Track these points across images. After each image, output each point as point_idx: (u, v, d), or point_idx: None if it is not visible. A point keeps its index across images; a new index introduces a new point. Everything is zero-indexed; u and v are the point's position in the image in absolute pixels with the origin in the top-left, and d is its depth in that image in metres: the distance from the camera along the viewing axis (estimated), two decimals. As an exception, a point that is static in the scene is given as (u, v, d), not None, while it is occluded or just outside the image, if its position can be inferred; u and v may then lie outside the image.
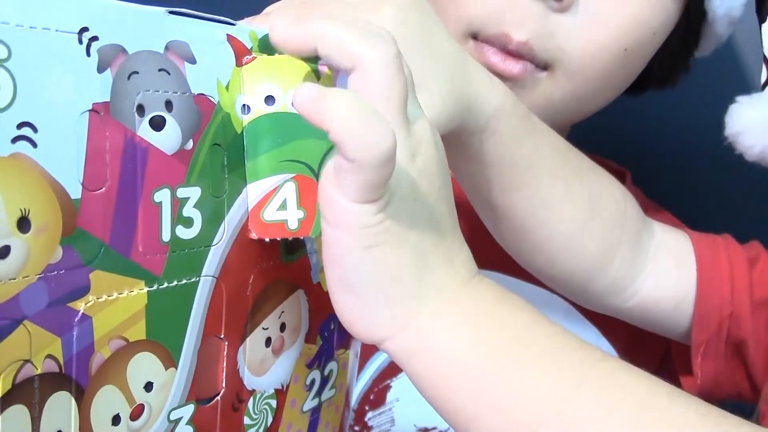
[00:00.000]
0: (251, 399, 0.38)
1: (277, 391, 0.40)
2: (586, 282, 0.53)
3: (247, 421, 0.38)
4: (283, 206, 0.37)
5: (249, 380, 0.38)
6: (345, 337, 0.45)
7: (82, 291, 0.29)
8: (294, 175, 0.37)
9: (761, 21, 0.61)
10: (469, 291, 0.36)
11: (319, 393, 0.43)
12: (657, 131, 0.76)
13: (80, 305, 0.29)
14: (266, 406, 0.40)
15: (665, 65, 0.65)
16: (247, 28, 0.37)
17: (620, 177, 0.70)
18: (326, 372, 0.44)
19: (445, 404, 0.35)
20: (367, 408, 0.62)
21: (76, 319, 0.29)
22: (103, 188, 0.30)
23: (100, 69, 0.30)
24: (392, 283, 0.34)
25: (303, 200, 0.37)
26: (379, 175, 0.31)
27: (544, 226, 0.50)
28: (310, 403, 0.43)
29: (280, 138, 0.37)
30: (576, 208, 0.51)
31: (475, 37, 0.56)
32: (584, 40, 0.56)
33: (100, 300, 0.30)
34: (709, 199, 0.66)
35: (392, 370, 0.62)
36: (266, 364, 0.39)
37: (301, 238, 0.39)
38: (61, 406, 0.29)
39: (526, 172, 0.48)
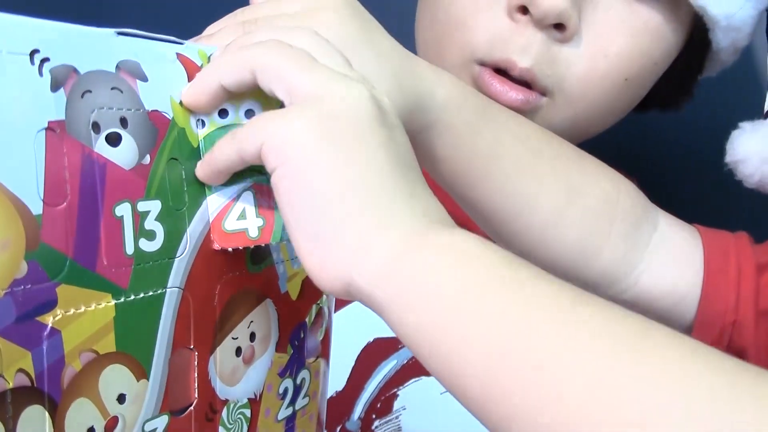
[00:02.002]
0: (225, 409, 0.39)
1: (250, 400, 0.41)
2: (574, 271, 0.52)
3: (222, 431, 0.39)
4: (242, 215, 0.38)
5: (221, 390, 0.39)
6: (316, 346, 0.46)
7: (50, 305, 0.30)
8: (251, 184, 0.38)
9: None
10: (443, 229, 0.35)
11: (293, 402, 0.44)
12: (663, 140, 0.77)
13: (49, 319, 0.30)
14: (240, 416, 0.40)
15: (668, 91, 0.66)
16: (196, 47, 0.38)
17: None
18: (299, 381, 0.44)
19: (420, 336, 0.33)
20: (374, 416, 0.63)
21: (45, 333, 0.30)
22: (64, 203, 0.31)
23: (54, 88, 0.31)
24: (353, 198, 0.34)
25: (262, 208, 0.38)
26: None
27: (517, 216, 0.50)
28: (284, 412, 0.43)
29: None
30: (550, 198, 0.51)
31: (480, 63, 0.58)
32: (585, 69, 0.58)
33: (68, 313, 0.31)
34: (716, 207, 0.66)
35: (399, 378, 0.63)
36: (238, 374, 0.40)
37: (264, 246, 0.40)
38: (35, 420, 0.30)
39: (488, 163, 0.48)
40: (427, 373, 0.60)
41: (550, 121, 0.58)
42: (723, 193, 0.63)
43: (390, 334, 0.62)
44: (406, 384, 0.62)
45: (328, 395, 0.62)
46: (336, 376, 0.63)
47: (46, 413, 0.30)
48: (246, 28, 0.40)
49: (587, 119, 0.60)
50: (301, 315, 0.44)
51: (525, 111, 0.57)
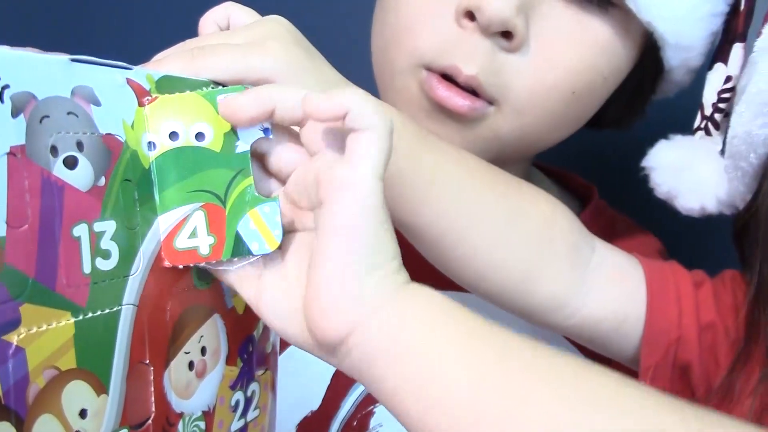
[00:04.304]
0: (180, 422, 0.40)
1: (204, 413, 0.42)
2: (522, 296, 0.54)
3: (178, 443, 0.40)
4: (193, 234, 0.39)
5: (177, 403, 0.40)
6: (264, 359, 0.47)
7: (14, 324, 0.31)
8: (202, 204, 0.39)
9: (708, 67, 0.61)
10: (420, 290, 0.39)
11: (244, 414, 0.45)
12: (627, 145, 0.78)
13: (13, 338, 0.31)
14: (195, 428, 0.41)
15: (619, 109, 0.66)
16: (144, 72, 0.40)
17: (586, 191, 0.72)
18: (249, 393, 0.46)
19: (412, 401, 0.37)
20: None
21: (11, 351, 0.31)
22: (26, 225, 0.32)
23: (14, 114, 0.32)
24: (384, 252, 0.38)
25: (212, 227, 0.39)
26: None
27: (461, 241, 0.51)
28: (236, 424, 0.45)
29: (186, 170, 0.39)
30: (491, 223, 0.52)
31: (427, 68, 0.58)
32: (532, 80, 0.57)
33: (31, 332, 0.32)
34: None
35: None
36: (191, 387, 0.41)
37: (214, 263, 0.41)
38: (2, 436, 0.31)
39: (429, 188, 0.49)
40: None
41: (497, 131, 0.59)
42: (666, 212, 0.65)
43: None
44: None
45: (304, 415, 0.62)
46: (311, 395, 0.63)
47: (14, 429, 0.31)
48: (194, 54, 0.42)
49: (535, 131, 0.60)
50: (248, 329, 0.46)
51: (471, 118, 0.58)
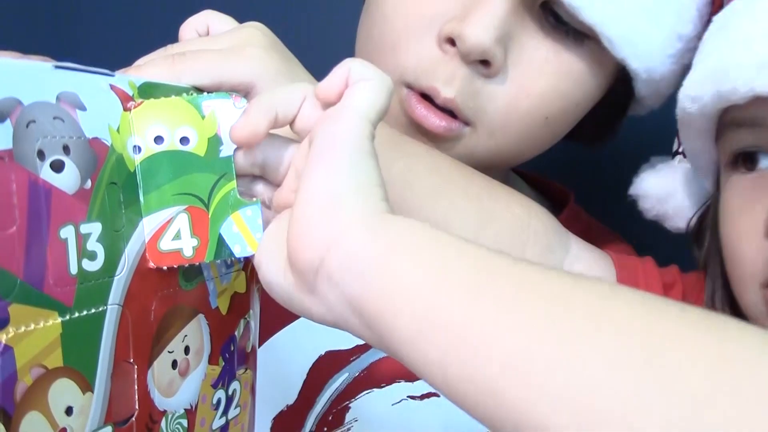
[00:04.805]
0: (163, 419, 0.41)
1: (186, 411, 0.43)
2: None
3: (161, 440, 0.41)
4: (177, 236, 0.40)
5: (160, 401, 0.41)
6: (244, 358, 0.48)
7: (3, 323, 0.32)
8: (186, 206, 0.40)
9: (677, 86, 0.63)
10: (402, 218, 0.38)
11: (225, 412, 0.46)
12: (604, 154, 0.79)
13: (2, 337, 0.32)
14: (178, 426, 0.42)
15: (591, 129, 0.68)
16: (126, 78, 0.41)
17: (563, 196, 0.73)
18: (230, 391, 0.47)
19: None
20: (325, 429, 0.64)
21: (0, 350, 0.32)
22: (14, 227, 0.33)
23: (1, 119, 0.33)
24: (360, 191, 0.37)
25: (196, 229, 0.40)
26: None
27: None
28: (218, 422, 0.46)
29: (171, 174, 0.40)
30: (464, 223, 0.53)
31: (408, 86, 0.60)
32: (507, 106, 0.60)
33: (19, 331, 0.32)
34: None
35: (351, 391, 0.64)
36: (174, 386, 0.42)
37: (198, 265, 0.42)
38: (-10, 433, 0.32)
39: (402, 190, 0.51)
40: (378, 386, 0.62)
41: (472, 150, 0.61)
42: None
43: (341, 347, 0.65)
44: (357, 396, 0.64)
45: (279, 409, 0.63)
46: (287, 390, 0.64)
47: (2, 425, 0.32)
48: (175, 60, 0.43)
49: (509, 151, 0.63)
50: (230, 329, 0.47)
51: (447, 138, 0.60)
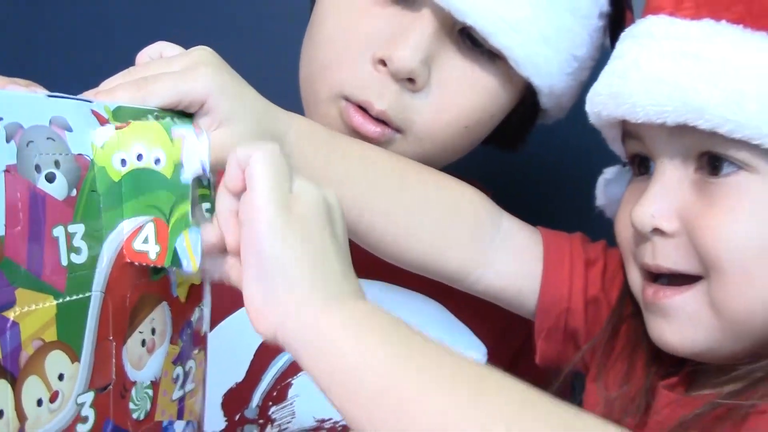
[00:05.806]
0: (134, 389, 0.49)
1: (152, 382, 0.51)
2: (435, 267, 0.66)
3: (131, 406, 0.49)
4: (146, 241, 0.48)
5: (131, 373, 0.49)
6: (199, 340, 0.56)
7: (11, 304, 0.40)
8: (153, 217, 0.48)
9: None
10: (358, 304, 0.47)
11: (183, 385, 0.54)
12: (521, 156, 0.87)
13: (11, 314, 0.40)
14: (145, 395, 0.50)
15: (504, 136, 0.78)
16: (102, 103, 0.48)
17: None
18: (187, 368, 0.55)
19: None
20: (270, 404, 0.72)
21: (9, 325, 0.40)
22: (19, 227, 0.40)
23: (8, 140, 0.41)
24: (293, 268, 0.45)
25: (159, 238, 0.48)
26: None
27: (373, 229, 0.63)
28: (177, 393, 0.54)
29: (145, 188, 0.48)
30: (400, 213, 0.63)
31: (346, 99, 0.69)
32: (431, 117, 0.69)
33: (23, 311, 0.40)
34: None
35: (293, 369, 0.72)
36: (143, 361, 0.50)
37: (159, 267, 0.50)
38: (1, 390, 0.39)
39: (342, 186, 0.59)
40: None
41: (403, 153, 0.69)
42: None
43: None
44: (298, 374, 0.73)
45: (229, 386, 0.71)
46: (236, 369, 0.72)
47: (9, 386, 0.40)
48: (139, 84, 0.51)
49: (435, 155, 0.71)
50: (188, 315, 0.55)
51: (381, 142, 0.68)
